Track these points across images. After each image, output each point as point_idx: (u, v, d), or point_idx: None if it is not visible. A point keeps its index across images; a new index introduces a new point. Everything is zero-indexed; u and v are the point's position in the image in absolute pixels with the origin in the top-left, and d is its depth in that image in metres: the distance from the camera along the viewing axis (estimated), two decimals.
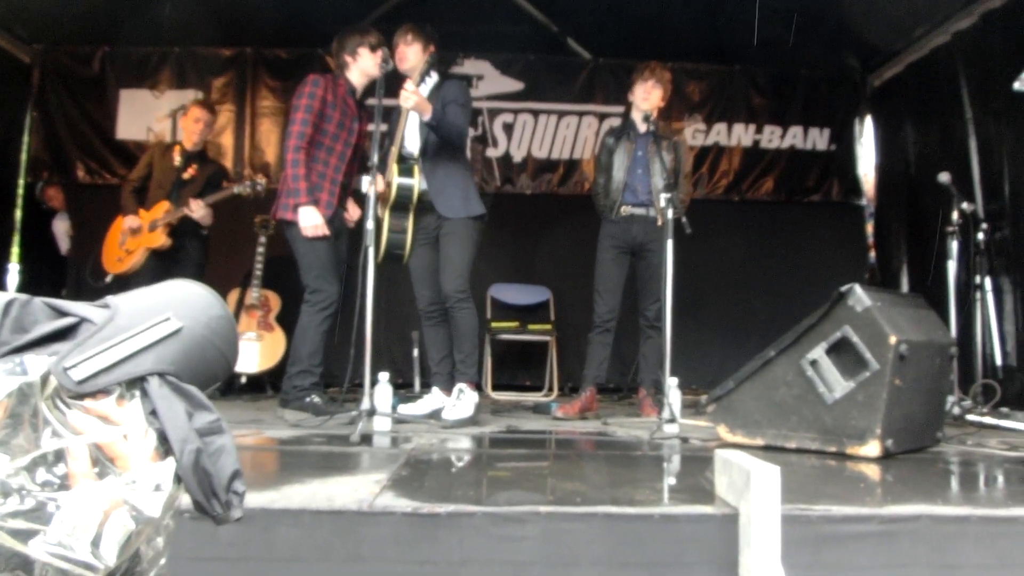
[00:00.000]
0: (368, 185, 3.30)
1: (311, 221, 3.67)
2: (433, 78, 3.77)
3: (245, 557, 1.63)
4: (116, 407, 0.84)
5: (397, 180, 3.67)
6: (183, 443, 0.87)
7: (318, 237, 3.70)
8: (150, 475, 0.84)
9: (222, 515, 0.92)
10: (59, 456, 0.78)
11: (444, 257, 3.71)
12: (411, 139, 3.80)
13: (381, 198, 3.73)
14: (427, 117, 3.54)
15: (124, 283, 4.58)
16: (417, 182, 3.69)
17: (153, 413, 0.87)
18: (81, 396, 0.82)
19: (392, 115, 3.92)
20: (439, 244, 3.76)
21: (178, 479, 0.88)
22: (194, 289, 1.03)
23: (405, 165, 3.71)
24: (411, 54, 3.75)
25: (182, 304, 0.98)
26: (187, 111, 4.88)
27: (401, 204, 3.71)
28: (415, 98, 3.46)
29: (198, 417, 0.91)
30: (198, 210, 4.58)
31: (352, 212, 4.06)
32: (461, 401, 3.61)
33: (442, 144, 3.69)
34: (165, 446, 0.87)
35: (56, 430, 0.79)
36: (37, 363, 0.81)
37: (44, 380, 0.80)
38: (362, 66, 3.87)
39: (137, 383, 0.87)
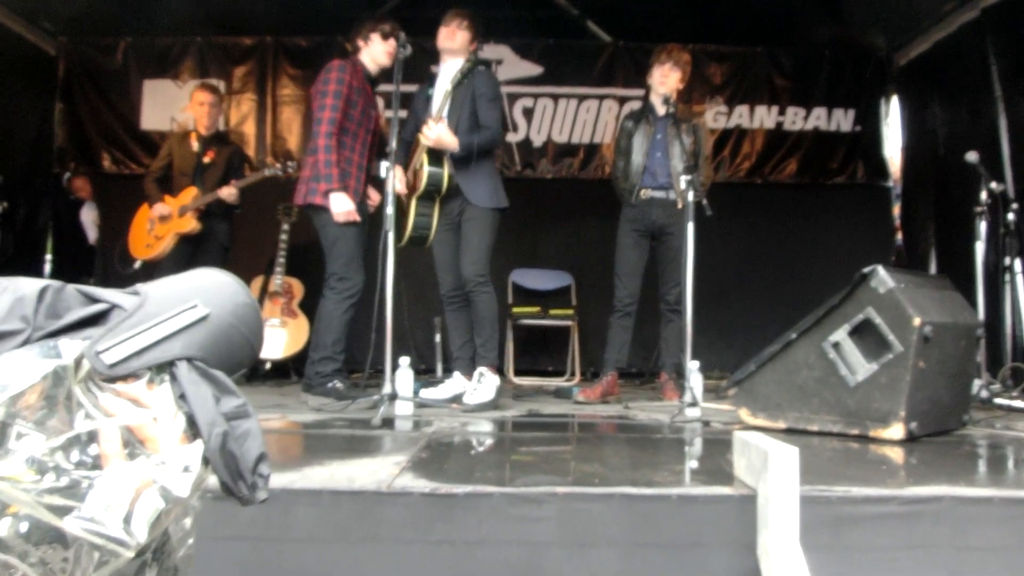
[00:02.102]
0: (386, 170, 3.32)
1: (343, 207, 3.67)
2: (461, 60, 3.80)
3: (265, 537, 1.66)
4: (146, 390, 0.87)
5: (427, 169, 3.67)
6: (211, 426, 0.90)
7: (349, 224, 3.71)
8: (179, 457, 0.87)
9: (248, 496, 0.95)
10: (92, 437, 0.80)
11: (465, 242, 3.73)
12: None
13: (409, 185, 3.76)
14: (456, 152, 3.62)
15: (152, 268, 4.66)
16: (447, 171, 3.71)
17: (182, 397, 0.90)
18: (113, 379, 0.85)
19: (417, 100, 3.93)
20: (460, 229, 3.78)
21: (206, 461, 0.90)
22: (221, 277, 1.05)
23: (435, 154, 3.70)
24: (459, 37, 3.78)
25: (209, 292, 1.00)
26: (191, 98, 4.92)
27: (429, 193, 3.73)
28: (436, 137, 3.54)
29: (225, 401, 0.94)
30: (229, 195, 4.69)
31: (374, 198, 4.07)
32: (482, 385, 3.63)
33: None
34: (193, 429, 0.90)
35: (89, 412, 0.81)
36: (71, 347, 0.84)
37: (77, 363, 0.83)
38: (372, 52, 3.87)
39: (166, 367, 0.90)
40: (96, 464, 0.79)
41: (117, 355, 0.85)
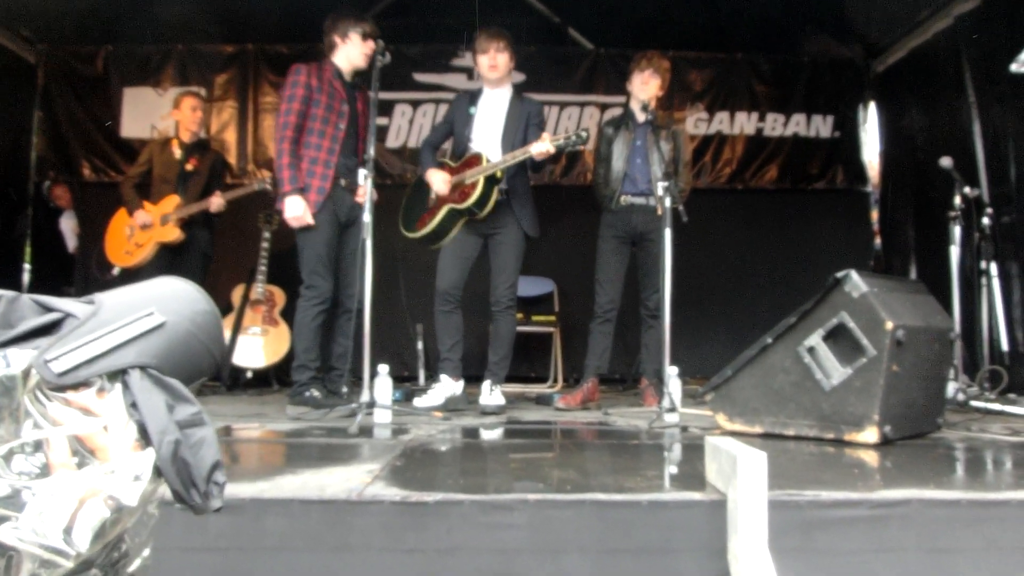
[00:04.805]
0: (363, 178, 3.33)
1: (294, 211, 3.66)
2: (509, 89, 3.98)
3: (234, 547, 1.65)
4: (97, 399, 0.86)
5: (480, 190, 3.72)
6: (162, 434, 0.89)
7: (304, 228, 3.69)
8: (129, 465, 0.86)
9: (201, 505, 0.94)
10: (38, 446, 0.79)
11: (503, 263, 3.89)
12: (483, 142, 3.88)
13: (450, 198, 3.82)
14: (541, 160, 3.75)
15: (132, 276, 4.62)
16: (493, 200, 3.78)
17: (134, 405, 0.89)
18: (62, 388, 0.84)
19: (456, 113, 4.00)
20: (490, 243, 3.90)
21: (158, 470, 0.89)
22: (179, 285, 1.04)
23: (491, 181, 3.75)
24: (502, 61, 3.90)
25: (167, 299, 0.99)
26: (179, 104, 4.86)
27: (468, 211, 3.79)
28: (548, 155, 3.64)
29: (179, 409, 0.93)
30: (219, 206, 4.70)
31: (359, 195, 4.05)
32: (495, 393, 3.77)
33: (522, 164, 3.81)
34: (146, 438, 0.89)
35: (37, 422, 0.80)
36: (20, 356, 0.83)
37: (26, 373, 0.82)
38: (349, 51, 3.82)
39: (118, 376, 0.89)
40: (42, 473, 0.78)
41: (66, 364, 0.84)
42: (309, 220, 3.68)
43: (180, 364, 0.97)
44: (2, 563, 0.73)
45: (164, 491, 0.93)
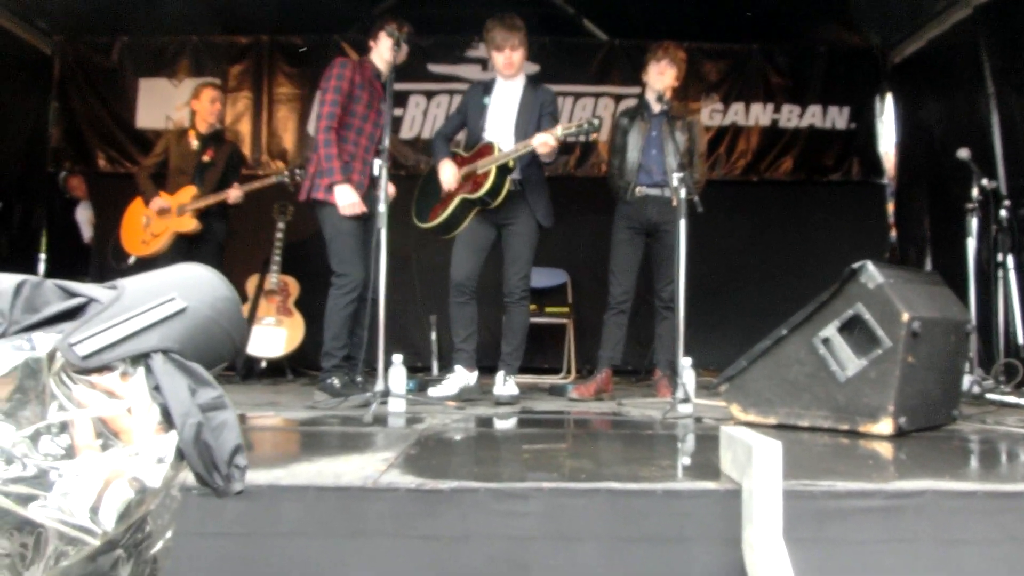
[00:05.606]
0: (379, 168, 3.34)
1: (348, 199, 3.71)
2: (522, 78, 3.97)
3: (250, 532, 1.66)
4: (120, 382, 0.88)
5: (493, 180, 3.71)
6: (184, 417, 0.90)
7: (348, 219, 3.73)
8: (153, 448, 0.87)
9: (223, 487, 0.95)
10: (63, 427, 0.81)
11: (516, 253, 3.89)
12: (496, 132, 3.87)
13: (462, 188, 3.83)
14: (550, 160, 3.77)
15: (148, 265, 4.64)
16: (506, 189, 3.78)
17: (157, 388, 0.90)
18: (87, 371, 0.86)
19: (470, 104, 4.00)
20: (503, 233, 3.91)
21: (180, 453, 0.91)
22: (201, 272, 1.06)
23: (503, 170, 3.74)
24: (517, 59, 3.90)
25: (188, 286, 1.01)
26: (199, 95, 4.88)
27: (480, 201, 3.78)
28: (549, 148, 3.63)
29: (201, 393, 0.94)
30: (237, 198, 4.72)
31: (391, 191, 4.07)
32: (508, 383, 3.79)
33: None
34: (168, 420, 0.90)
35: (62, 404, 0.82)
36: (45, 340, 0.84)
37: (51, 356, 0.83)
38: (381, 50, 3.93)
39: (141, 359, 0.90)
40: (68, 455, 0.80)
41: (90, 347, 0.86)
42: (363, 207, 3.73)
43: (201, 349, 0.99)
44: (31, 540, 0.75)
45: (187, 475, 0.94)
